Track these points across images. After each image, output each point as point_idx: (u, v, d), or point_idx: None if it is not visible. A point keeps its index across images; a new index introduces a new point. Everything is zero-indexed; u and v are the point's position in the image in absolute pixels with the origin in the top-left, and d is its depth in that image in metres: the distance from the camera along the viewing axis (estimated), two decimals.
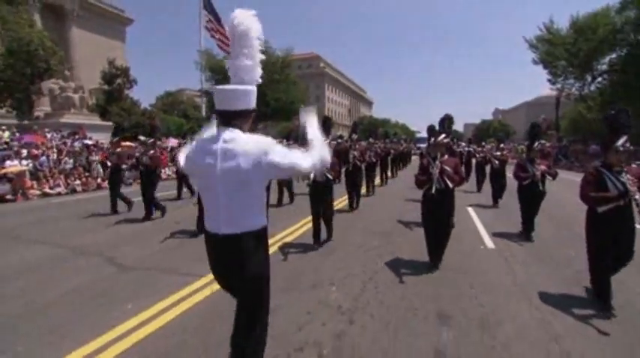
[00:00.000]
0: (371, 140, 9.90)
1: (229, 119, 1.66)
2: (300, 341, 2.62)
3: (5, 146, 12.31)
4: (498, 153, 8.57)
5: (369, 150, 8.73)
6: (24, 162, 11.13)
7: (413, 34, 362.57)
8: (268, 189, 1.89)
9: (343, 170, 8.26)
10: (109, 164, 8.05)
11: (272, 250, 4.67)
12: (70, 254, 4.83)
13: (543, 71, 27.86)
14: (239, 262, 1.65)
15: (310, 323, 2.89)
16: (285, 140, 7.22)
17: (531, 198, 5.42)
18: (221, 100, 1.68)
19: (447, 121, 4.39)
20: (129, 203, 7.68)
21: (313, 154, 1.67)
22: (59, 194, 10.93)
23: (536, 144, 5.54)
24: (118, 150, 7.41)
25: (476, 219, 6.89)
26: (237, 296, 1.77)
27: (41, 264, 4.44)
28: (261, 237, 1.72)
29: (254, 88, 1.73)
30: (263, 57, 1.81)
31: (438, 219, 4.18)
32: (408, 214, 6.93)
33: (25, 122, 19.10)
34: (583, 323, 2.89)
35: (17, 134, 14.66)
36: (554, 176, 5.49)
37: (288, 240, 5.33)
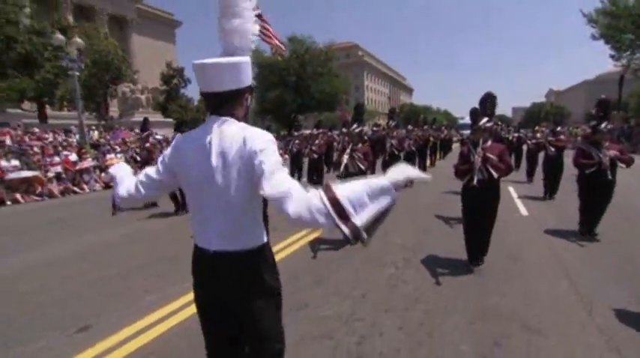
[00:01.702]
0: (409, 127, 9.21)
1: (218, 104, 1.27)
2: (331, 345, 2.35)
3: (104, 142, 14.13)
4: (553, 139, 7.42)
5: (408, 139, 8.10)
6: (118, 155, 12.13)
7: (454, 16, 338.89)
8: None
9: (380, 160, 7.81)
10: (138, 159, 8.27)
11: (299, 245, 4.40)
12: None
13: (605, 47, 24.44)
14: (239, 282, 1.30)
15: (347, 320, 2.62)
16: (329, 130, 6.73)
17: (595, 189, 4.53)
18: (204, 80, 1.25)
19: (488, 102, 3.74)
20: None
21: (311, 200, 1.11)
22: None
23: (604, 124, 4.60)
24: (147, 144, 7.55)
25: (525, 213, 6.09)
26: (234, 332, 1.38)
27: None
28: (262, 255, 1.34)
29: (246, 59, 1.27)
30: (255, 17, 1.35)
31: (480, 214, 3.64)
32: (447, 208, 6.26)
33: (102, 122, 21.65)
34: None
35: (103, 132, 16.85)
36: (628, 162, 4.40)
37: (318, 234, 4.92)
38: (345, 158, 4.16)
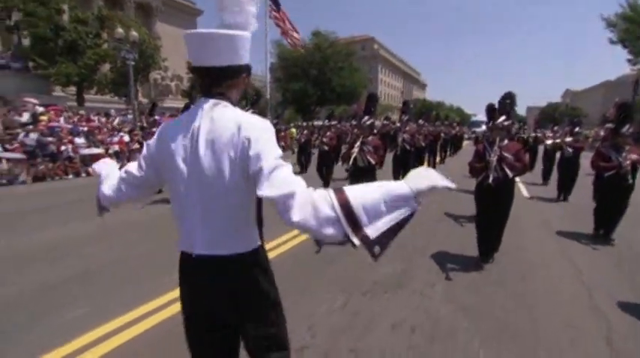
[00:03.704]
0: (421, 122, 8.89)
1: (212, 81, 1.08)
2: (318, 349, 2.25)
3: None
4: (571, 139, 7.05)
5: (418, 134, 7.81)
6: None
7: (471, 13, 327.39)
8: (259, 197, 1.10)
9: (391, 154, 7.57)
10: (144, 144, 8.28)
11: (302, 238, 4.11)
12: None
13: (622, 51, 24.10)
14: (229, 291, 1.10)
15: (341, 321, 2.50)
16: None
17: (613, 193, 4.29)
18: (199, 52, 1.05)
19: (507, 101, 3.55)
20: None
21: (320, 205, 0.92)
22: None
23: (626, 126, 4.32)
24: (154, 129, 7.53)
25: (538, 215, 5.83)
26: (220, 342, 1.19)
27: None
28: (255, 260, 1.14)
29: (247, 35, 1.09)
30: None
31: (493, 212, 3.51)
32: (456, 206, 6.02)
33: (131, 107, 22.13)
34: None
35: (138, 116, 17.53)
36: None
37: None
38: (355, 151, 3.99)
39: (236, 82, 1.12)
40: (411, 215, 0.95)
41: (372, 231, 0.92)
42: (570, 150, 6.82)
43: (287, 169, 0.99)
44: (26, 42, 18.93)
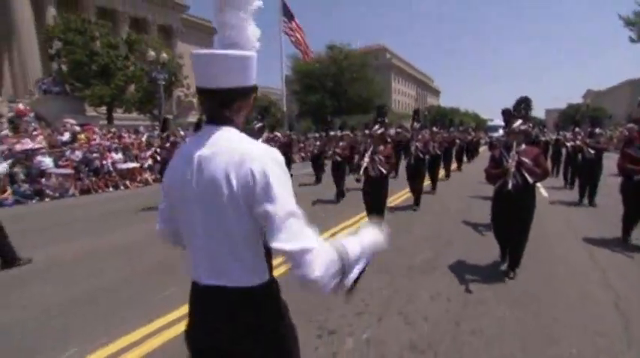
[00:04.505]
0: (435, 129, 8.68)
1: (219, 104, 1.01)
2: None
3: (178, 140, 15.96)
4: (592, 141, 6.66)
5: (432, 141, 7.61)
6: None
7: (484, 15, 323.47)
8: None
9: (404, 163, 7.42)
10: (158, 159, 8.39)
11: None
12: None
13: None
14: (233, 326, 1.01)
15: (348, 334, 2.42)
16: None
17: None
18: (207, 73, 0.99)
19: (523, 104, 3.42)
20: None
21: (333, 261, 0.92)
22: None
23: None
24: (167, 144, 7.63)
25: (562, 221, 5.52)
26: None
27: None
28: (262, 296, 1.03)
29: (254, 54, 1.04)
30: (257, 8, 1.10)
31: (513, 221, 3.32)
32: (475, 214, 5.78)
33: (157, 123, 23.20)
34: None
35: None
36: None
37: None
38: (366, 161, 3.92)
39: (245, 103, 1.07)
40: (367, 265, 1.05)
41: (348, 280, 1.00)
42: (592, 151, 6.46)
43: (301, 217, 0.93)
44: (63, 67, 20.53)
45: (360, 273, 1.03)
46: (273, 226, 0.89)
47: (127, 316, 2.74)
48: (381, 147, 4.11)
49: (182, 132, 17.96)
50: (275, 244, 0.90)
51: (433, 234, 4.85)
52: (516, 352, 2.20)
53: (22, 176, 9.05)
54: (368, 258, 1.05)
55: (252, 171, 0.91)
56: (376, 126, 4.12)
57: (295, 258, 0.88)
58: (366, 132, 8.01)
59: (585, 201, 6.65)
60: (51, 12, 25.22)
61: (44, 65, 24.04)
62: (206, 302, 1.04)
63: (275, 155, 0.97)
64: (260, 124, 6.64)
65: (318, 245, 0.91)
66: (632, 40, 23.15)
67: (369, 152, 3.96)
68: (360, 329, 2.49)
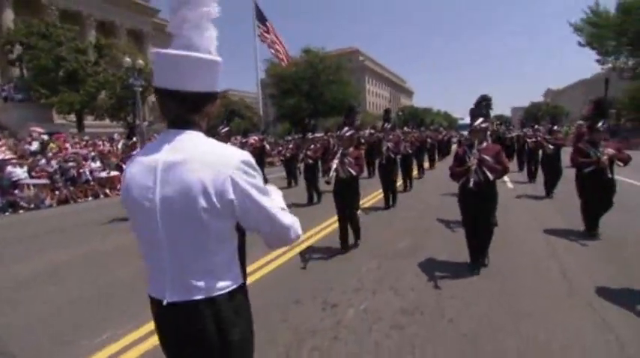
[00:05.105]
0: (406, 129, 8.86)
1: (184, 109, 0.96)
2: None
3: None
4: (550, 137, 7.06)
5: (404, 141, 7.74)
6: None
7: (453, 18, 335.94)
8: (241, 230, 1.04)
9: (377, 163, 7.49)
10: (123, 167, 8.14)
11: (291, 255, 4.07)
12: None
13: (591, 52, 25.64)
14: (198, 341, 0.97)
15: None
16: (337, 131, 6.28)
17: (596, 188, 4.24)
18: (173, 74, 0.93)
19: (483, 103, 3.52)
20: None
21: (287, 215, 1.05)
22: None
23: (600, 122, 4.32)
24: (134, 153, 7.35)
25: (526, 214, 5.76)
26: None
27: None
28: (232, 303, 0.99)
29: (221, 60, 0.99)
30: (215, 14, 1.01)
31: (477, 216, 3.42)
32: (448, 211, 5.86)
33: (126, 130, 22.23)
34: None
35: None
36: (626, 161, 4.14)
37: (311, 242, 4.59)
38: (335, 163, 3.90)
39: (212, 109, 1.02)
40: None
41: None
42: (551, 147, 6.84)
43: (278, 201, 1.05)
44: (26, 73, 19.38)
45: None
46: (264, 233, 1.01)
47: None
48: (351, 149, 4.11)
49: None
50: (264, 235, 1.02)
51: (413, 227, 5.24)
52: (487, 310, 2.68)
53: None
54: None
55: (228, 176, 0.90)
56: (345, 129, 4.11)
57: (278, 234, 1.02)
58: (338, 133, 8.00)
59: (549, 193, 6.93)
60: (8, 15, 23.65)
61: (2, 71, 22.46)
62: (174, 320, 0.97)
63: (247, 157, 0.96)
64: (226, 129, 6.46)
65: (290, 216, 1.04)
66: (580, 44, 25.70)
67: (339, 154, 3.95)
68: (358, 302, 2.87)
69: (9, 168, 9.18)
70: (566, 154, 7.11)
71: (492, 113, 4.08)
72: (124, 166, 8.14)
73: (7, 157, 9.57)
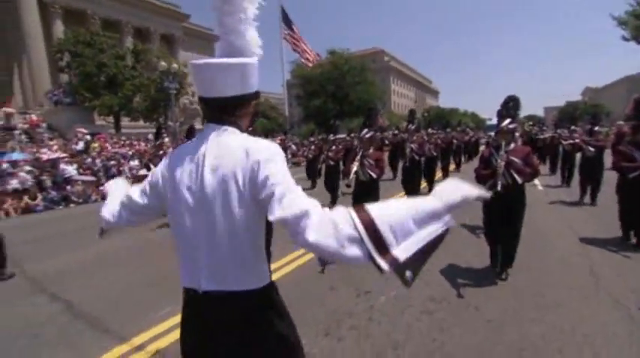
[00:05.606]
0: (430, 130, 8.54)
1: (220, 112, 1.01)
2: None
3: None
4: (591, 139, 6.43)
5: (428, 143, 7.46)
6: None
7: (482, 17, 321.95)
8: (269, 225, 1.18)
9: (400, 166, 7.29)
10: (151, 166, 8.42)
11: (307, 258, 3.96)
12: None
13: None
14: (240, 331, 0.97)
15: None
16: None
17: (638, 195, 3.85)
18: (205, 83, 0.99)
19: (511, 104, 3.32)
20: None
21: (338, 224, 0.82)
22: None
23: None
24: (161, 152, 7.52)
25: (560, 220, 5.36)
26: None
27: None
28: (268, 297, 1.02)
29: (253, 61, 1.02)
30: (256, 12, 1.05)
31: (503, 222, 3.21)
32: (473, 216, 5.63)
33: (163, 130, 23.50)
34: None
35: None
36: None
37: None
38: (355, 165, 3.82)
39: (245, 109, 1.06)
40: (445, 232, 0.82)
41: (401, 252, 0.79)
42: (592, 149, 6.25)
43: (299, 191, 0.91)
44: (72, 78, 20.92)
45: (433, 245, 0.81)
46: (273, 203, 0.88)
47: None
48: (371, 151, 4.01)
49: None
50: (273, 216, 0.87)
51: None
52: (513, 301, 2.77)
53: (49, 183, 9.58)
54: (439, 225, 0.81)
55: (257, 162, 0.92)
56: (365, 130, 4.02)
57: (292, 225, 0.85)
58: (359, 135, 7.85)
59: (587, 199, 6.39)
60: (59, 26, 25.56)
61: (52, 77, 24.30)
62: (208, 309, 0.98)
63: (274, 148, 0.98)
64: (249, 129, 6.55)
65: (317, 210, 0.85)
66: (624, 39, 23.62)
67: (359, 156, 3.87)
68: (390, 289, 3.00)
69: (62, 166, 10.14)
70: (608, 157, 6.55)
71: (523, 113, 3.82)
72: (151, 166, 8.59)
73: (61, 156, 10.67)
